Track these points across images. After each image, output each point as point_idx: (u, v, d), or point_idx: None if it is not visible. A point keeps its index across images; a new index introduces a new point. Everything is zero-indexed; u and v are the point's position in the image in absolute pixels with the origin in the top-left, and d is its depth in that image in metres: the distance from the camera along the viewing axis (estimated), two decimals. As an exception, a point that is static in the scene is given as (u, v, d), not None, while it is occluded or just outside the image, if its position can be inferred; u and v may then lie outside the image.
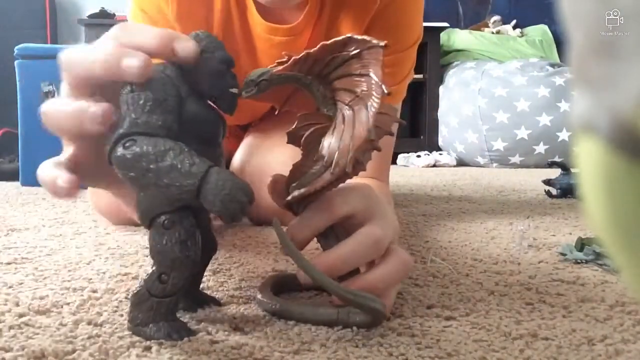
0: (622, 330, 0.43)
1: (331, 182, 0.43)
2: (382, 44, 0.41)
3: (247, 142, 0.96)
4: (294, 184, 0.45)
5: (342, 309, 0.43)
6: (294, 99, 0.49)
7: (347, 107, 0.43)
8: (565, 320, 0.46)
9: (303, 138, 0.45)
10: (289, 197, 0.45)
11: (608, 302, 0.50)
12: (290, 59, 0.44)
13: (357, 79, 0.43)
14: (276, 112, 0.50)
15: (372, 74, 0.42)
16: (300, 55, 0.43)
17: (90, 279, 0.57)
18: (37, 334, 0.41)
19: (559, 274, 0.60)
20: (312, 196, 0.44)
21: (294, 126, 0.46)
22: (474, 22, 3.39)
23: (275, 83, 0.44)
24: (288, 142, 0.46)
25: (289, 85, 0.46)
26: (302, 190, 0.44)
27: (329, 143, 0.43)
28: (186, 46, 0.39)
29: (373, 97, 0.41)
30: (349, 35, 0.43)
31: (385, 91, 0.41)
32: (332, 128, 0.44)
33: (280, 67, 0.44)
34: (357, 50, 0.42)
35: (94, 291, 0.52)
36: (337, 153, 0.42)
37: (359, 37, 0.42)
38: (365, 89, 0.42)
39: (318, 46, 0.43)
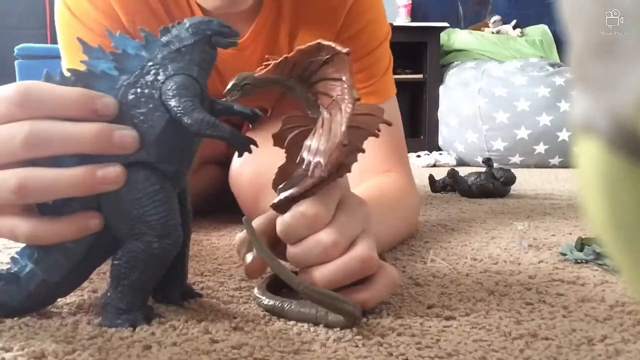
0: (622, 330, 0.43)
1: (315, 185, 0.43)
2: (344, 51, 0.42)
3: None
4: (280, 186, 0.46)
5: (322, 308, 0.43)
6: (284, 101, 0.49)
7: (325, 110, 0.44)
8: (565, 320, 0.46)
9: (286, 141, 0.46)
10: (276, 200, 0.45)
11: (608, 302, 0.50)
12: (271, 63, 0.45)
13: (332, 82, 0.44)
14: (268, 114, 0.51)
15: (344, 79, 0.43)
16: (279, 59, 0.44)
17: (90, 278, 0.57)
18: (37, 334, 0.41)
19: (559, 274, 0.60)
20: (298, 198, 0.44)
21: (279, 128, 0.46)
22: (474, 22, 3.39)
23: (259, 86, 0.45)
24: (274, 145, 0.47)
25: (276, 88, 0.47)
26: (287, 193, 0.45)
27: (308, 146, 0.44)
28: (107, 103, 0.40)
29: (346, 102, 0.42)
30: (318, 41, 0.44)
31: (356, 96, 0.42)
32: (313, 131, 0.44)
33: (263, 71, 0.45)
34: (329, 55, 0.43)
35: (94, 291, 0.52)
36: (314, 157, 0.43)
37: (327, 43, 0.44)
38: (339, 93, 0.43)
39: (295, 50, 0.44)
